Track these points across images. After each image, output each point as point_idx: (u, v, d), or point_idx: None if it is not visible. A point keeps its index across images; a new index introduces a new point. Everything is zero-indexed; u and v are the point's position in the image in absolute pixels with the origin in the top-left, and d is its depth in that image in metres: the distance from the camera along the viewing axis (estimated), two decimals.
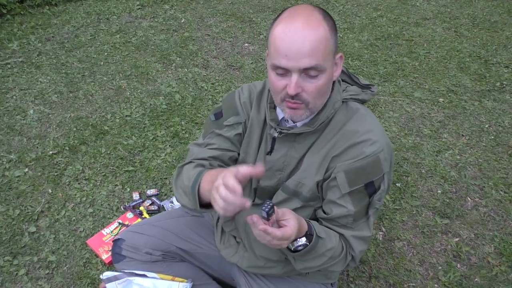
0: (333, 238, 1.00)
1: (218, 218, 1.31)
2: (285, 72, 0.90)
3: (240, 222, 1.20)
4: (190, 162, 1.12)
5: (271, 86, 0.97)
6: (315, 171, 1.03)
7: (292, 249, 0.95)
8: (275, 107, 1.08)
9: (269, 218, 0.81)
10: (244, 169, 0.77)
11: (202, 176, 0.98)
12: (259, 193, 1.15)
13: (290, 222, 0.84)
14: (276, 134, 1.06)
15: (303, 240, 0.93)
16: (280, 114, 1.07)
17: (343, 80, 1.13)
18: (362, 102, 1.09)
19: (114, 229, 1.77)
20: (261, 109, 1.12)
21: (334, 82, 1.03)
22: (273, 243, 0.83)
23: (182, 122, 2.45)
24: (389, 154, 1.02)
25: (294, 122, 1.05)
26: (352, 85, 1.12)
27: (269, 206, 0.80)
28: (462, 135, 2.37)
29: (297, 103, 0.93)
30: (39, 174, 2.08)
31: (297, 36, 0.86)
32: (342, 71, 1.12)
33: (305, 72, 0.89)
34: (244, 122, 1.14)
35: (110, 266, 1.65)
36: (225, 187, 0.76)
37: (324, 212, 1.05)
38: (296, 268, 1.03)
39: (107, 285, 1.21)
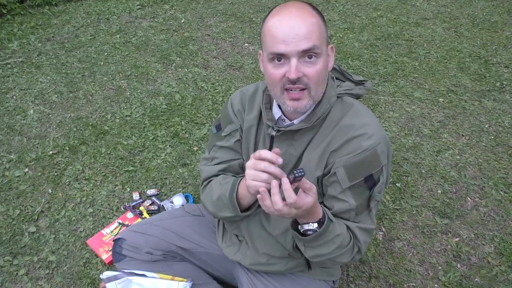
0: (342, 225, 1.01)
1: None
2: (283, 59, 0.92)
3: (243, 221, 1.20)
4: (209, 181, 1.20)
5: (269, 79, 0.97)
6: (315, 167, 1.04)
7: (302, 231, 0.96)
8: (271, 108, 1.09)
9: (292, 182, 0.84)
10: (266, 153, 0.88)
11: (238, 185, 1.07)
12: None
13: (309, 198, 0.86)
14: (274, 133, 1.07)
15: (314, 225, 0.94)
16: (276, 114, 1.08)
17: (336, 78, 1.13)
18: (357, 97, 1.11)
19: (114, 229, 1.77)
20: (254, 109, 1.14)
21: (327, 77, 1.04)
22: (281, 209, 0.84)
23: (182, 122, 2.45)
24: (386, 146, 1.03)
25: (290, 120, 1.06)
26: (345, 81, 1.13)
27: (300, 174, 0.82)
28: (462, 135, 2.37)
29: (300, 88, 0.93)
30: (39, 174, 2.08)
31: (293, 22, 0.89)
32: (335, 69, 1.15)
33: (304, 55, 0.90)
34: (240, 127, 1.17)
35: (110, 266, 1.65)
36: (261, 161, 0.87)
37: (326, 207, 1.06)
38: (306, 255, 1.03)
39: (107, 284, 1.21)
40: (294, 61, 0.90)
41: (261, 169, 0.88)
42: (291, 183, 0.83)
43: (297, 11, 0.91)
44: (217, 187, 1.14)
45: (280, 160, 0.87)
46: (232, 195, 1.06)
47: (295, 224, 0.99)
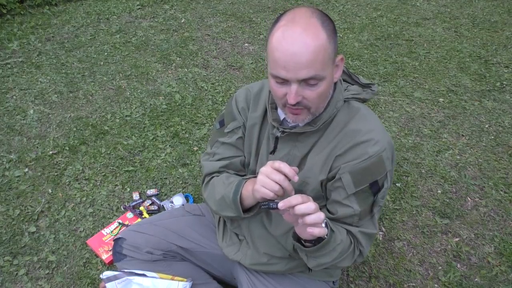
0: (342, 231, 1.02)
1: (220, 216, 1.32)
2: (284, 81, 0.91)
3: (244, 221, 1.21)
4: (211, 177, 1.21)
5: (272, 92, 0.98)
6: (319, 171, 1.04)
7: (305, 243, 0.96)
8: (276, 108, 1.10)
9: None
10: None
11: (242, 186, 1.07)
12: None
13: (321, 215, 0.86)
14: (278, 134, 1.07)
15: None
16: (281, 114, 1.09)
17: (344, 80, 1.13)
18: (363, 101, 1.10)
19: (114, 229, 1.77)
20: (259, 108, 1.14)
21: (336, 82, 1.03)
22: (304, 210, 0.84)
23: (182, 122, 2.45)
24: (391, 152, 1.03)
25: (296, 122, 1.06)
26: (352, 84, 1.13)
27: (274, 205, 0.85)
28: (462, 135, 2.37)
29: (299, 109, 0.94)
30: (39, 174, 2.08)
31: (295, 48, 0.85)
32: (343, 71, 1.13)
33: (304, 81, 0.89)
34: (243, 125, 1.17)
35: (110, 266, 1.65)
36: (278, 172, 0.89)
37: (329, 212, 1.06)
38: (309, 265, 1.03)
39: (107, 284, 1.21)
40: (294, 86, 0.89)
41: (275, 180, 0.89)
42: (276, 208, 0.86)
43: (302, 33, 0.85)
44: (220, 186, 1.14)
45: (296, 179, 0.89)
46: (236, 197, 1.07)
47: (297, 234, 0.98)
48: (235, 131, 1.18)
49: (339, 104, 1.03)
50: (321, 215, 0.84)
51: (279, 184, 0.89)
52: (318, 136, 1.05)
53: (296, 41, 0.85)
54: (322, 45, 0.87)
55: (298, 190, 1.07)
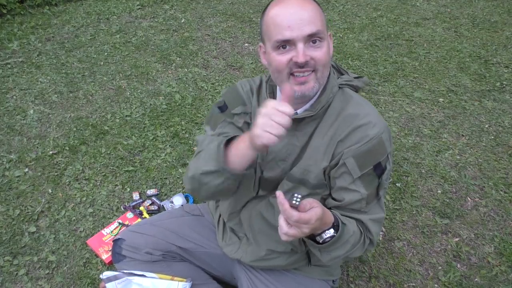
0: (351, 222, 1.02)
1: (220, 216, 1.32)
2: (288, 46, 0.93)
3: (245, 216, 1.20)
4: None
5: (276, 66, 0.96)
6: (321, 157, 1.04)
7: (321, 241, 0.95)
8: (274, 97, 1.10)
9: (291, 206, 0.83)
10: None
11: (231, 141, 0.97)
12: (263, 184, 1.14)
13: (314, 210, 0.84)
14: None
15: (331, 232, 0.94)
16: None
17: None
18: (356, 90, 1.13)
19: (114, 229, 1.77)
20: (260, 102, 1.14)
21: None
22: (288, 232, 0.84)
23: (182, 122, 2.45)
24: (389, 134, 1.05)
25: (295, 110, 1.05)
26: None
27: (298, 200, 0.82)
28: (462, 135, 2.37)
29: (307, 71, 0.94)
30: (39, 174, 2.08)
31: (295, 8, 0.92)
32: (332, 65, 1.14)
33: (309, 40, 0.92)
34: (250, 114, 1.15)
35: (110, 266, 1.65)
36: (282, 113, 0.81)
37: (335, 200, 1.06)
38: (322, 260, 1.02)
39: (107, 284, 1.21)
40: (300, 45, 0.92)
41: (280, 122, 0.80)
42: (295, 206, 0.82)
43: (298, 0, 0.93)
44: (205, 146, 1.03)
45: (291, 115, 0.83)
46: (220, 146, 0.95)
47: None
48: (243, 116, 1.12)
49: (334, 89, 1.05)
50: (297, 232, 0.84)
51: (284, 127, 0.81)
52: (317, 123, 1.05)
53: (294, 5, 0.93)
54: (318, 8, 0.96)
55: (300, 179, 1.06)
